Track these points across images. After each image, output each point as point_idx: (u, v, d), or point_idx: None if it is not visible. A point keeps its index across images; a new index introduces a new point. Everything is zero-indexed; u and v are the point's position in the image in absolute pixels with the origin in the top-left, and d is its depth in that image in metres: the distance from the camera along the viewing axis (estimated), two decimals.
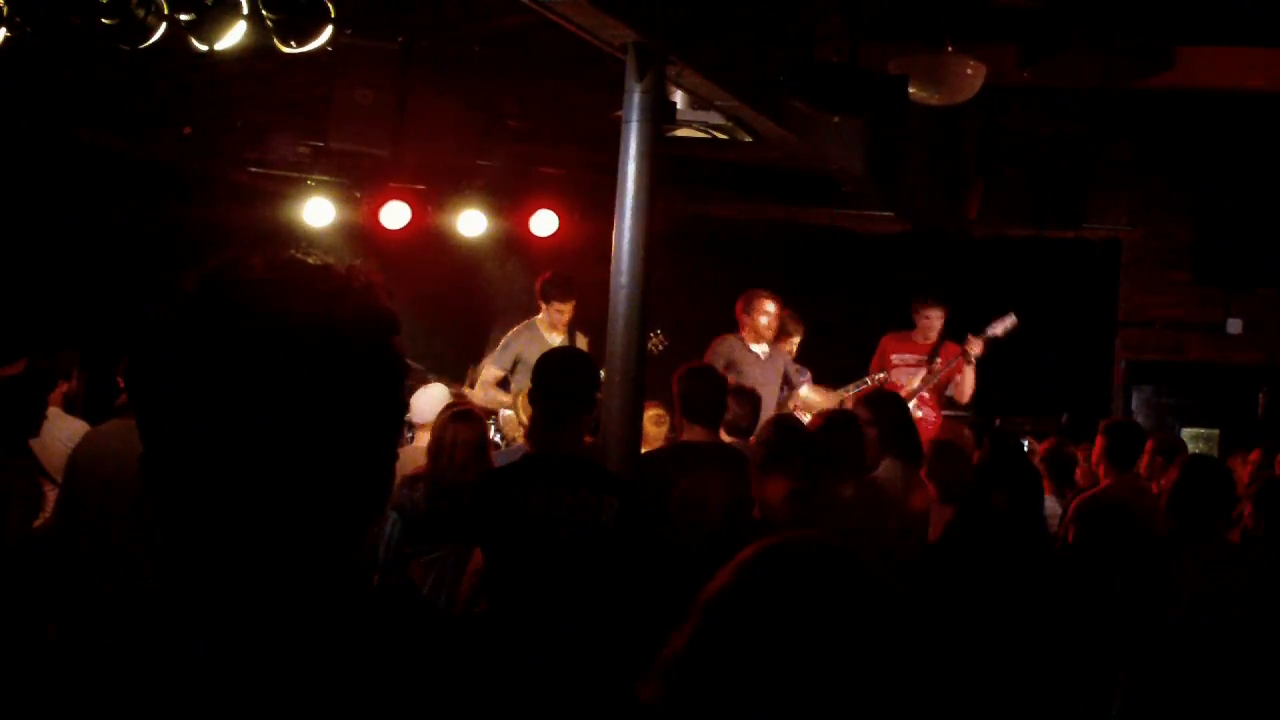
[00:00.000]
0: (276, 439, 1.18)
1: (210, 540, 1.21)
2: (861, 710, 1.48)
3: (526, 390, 7.80)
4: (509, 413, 8.04)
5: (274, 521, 1.20)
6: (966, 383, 8.51)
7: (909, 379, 8.54)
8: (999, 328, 8.76)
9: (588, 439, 5.05)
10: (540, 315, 8.15)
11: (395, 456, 1.31)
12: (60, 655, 1.23)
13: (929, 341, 8.69)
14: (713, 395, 5.46)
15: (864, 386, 8.37)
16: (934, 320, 8.64)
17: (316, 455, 1.20)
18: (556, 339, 7.87)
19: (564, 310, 8.02)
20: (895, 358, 8.67)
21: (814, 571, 1.55)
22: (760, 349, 8.13)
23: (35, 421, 5.18)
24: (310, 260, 1.25)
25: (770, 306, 8.08)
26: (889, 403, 5.74)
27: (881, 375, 8.50)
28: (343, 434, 1.21)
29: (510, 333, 8.20)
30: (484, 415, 6.14)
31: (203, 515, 1.20)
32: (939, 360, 8.58)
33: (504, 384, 8.24)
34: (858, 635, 1.49)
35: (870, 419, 5.34)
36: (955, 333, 9.37)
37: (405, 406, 1.35)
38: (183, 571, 1.22)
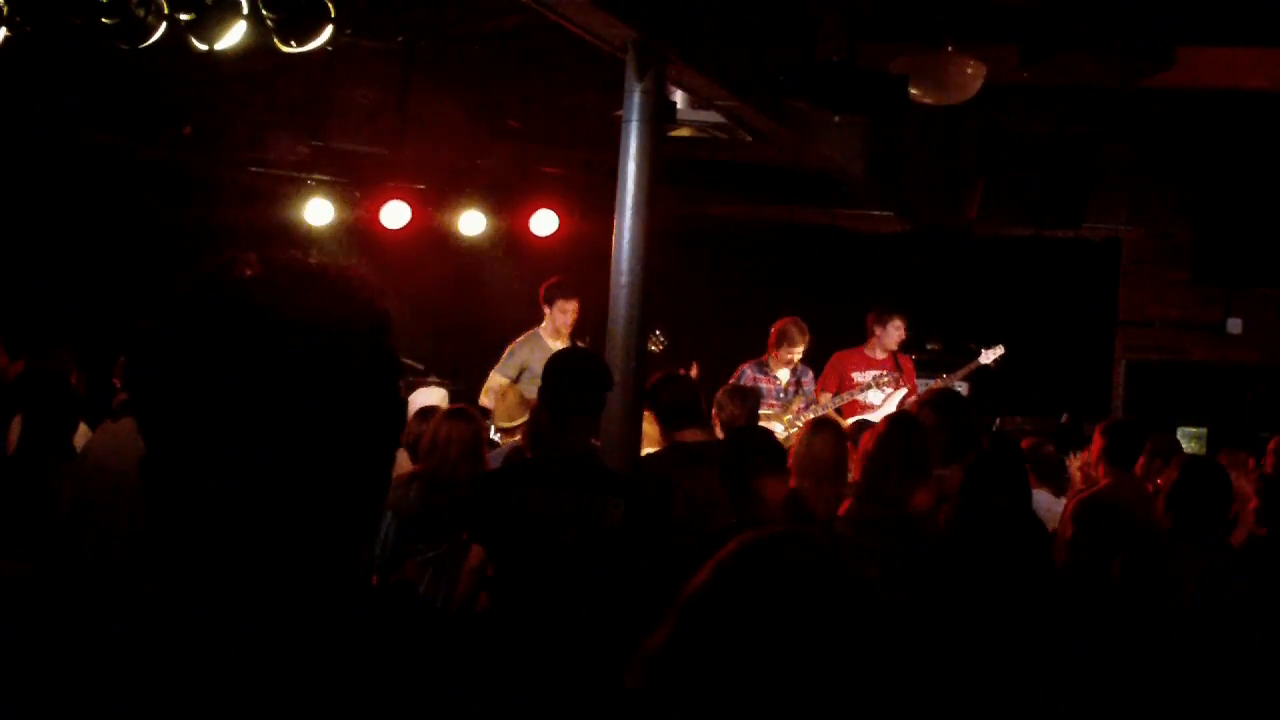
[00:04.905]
0: (274, 439, 1.18)
1: (209, 541, 1.21)
2: (839, 705, 1.48)
3: (501, 384, 7.85)
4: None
5: (272, 522, 1.20)
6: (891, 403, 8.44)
7: (871, 396, 8.50)
8: (989, 357, 8.90)
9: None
10: (544, 324, 8.14)
11: (394, 456, 1.30)
12: (66, 653, 1.23)
13: (887, 356, 8.65)
14: (687, 396, 5.48)
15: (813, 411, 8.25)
16: (897, 332, 8.63)
17: (314, 455, 1.20)
18: (560, 346, 7.86)
19: (568, 309, 8.01)
20: (856, 375, 8.62)
21: (790, 568, 1.55)
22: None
23: (75, 421, 5.15)
24: (306, 260, 1.25)
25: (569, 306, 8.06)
26: (957, 406, 5.67)
27: (836, 397, 8.45)
28: (340, 434, 1.21)
29: (515, 342, 8.20)
30: (480, 414, 6.15)
31: (201, 517, 1.20)
32: (902, 375, 8.60)
33: None
34: (834, 631, 1.50)
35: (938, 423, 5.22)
36: (957, 339, 9.42)
37: (403, 406, 1.35)
38: (183, 572, 1.22)
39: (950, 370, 9.14)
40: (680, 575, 1.62)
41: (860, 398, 8.46)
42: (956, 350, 9.79)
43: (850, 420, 7.84)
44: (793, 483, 5.09)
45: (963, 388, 9.20)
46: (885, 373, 8.58)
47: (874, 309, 8.74)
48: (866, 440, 4.79)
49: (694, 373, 8.09)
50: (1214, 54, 7.74)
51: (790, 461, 5.11)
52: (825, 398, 8.41)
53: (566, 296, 8.03)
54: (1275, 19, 7.41)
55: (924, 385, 8.76)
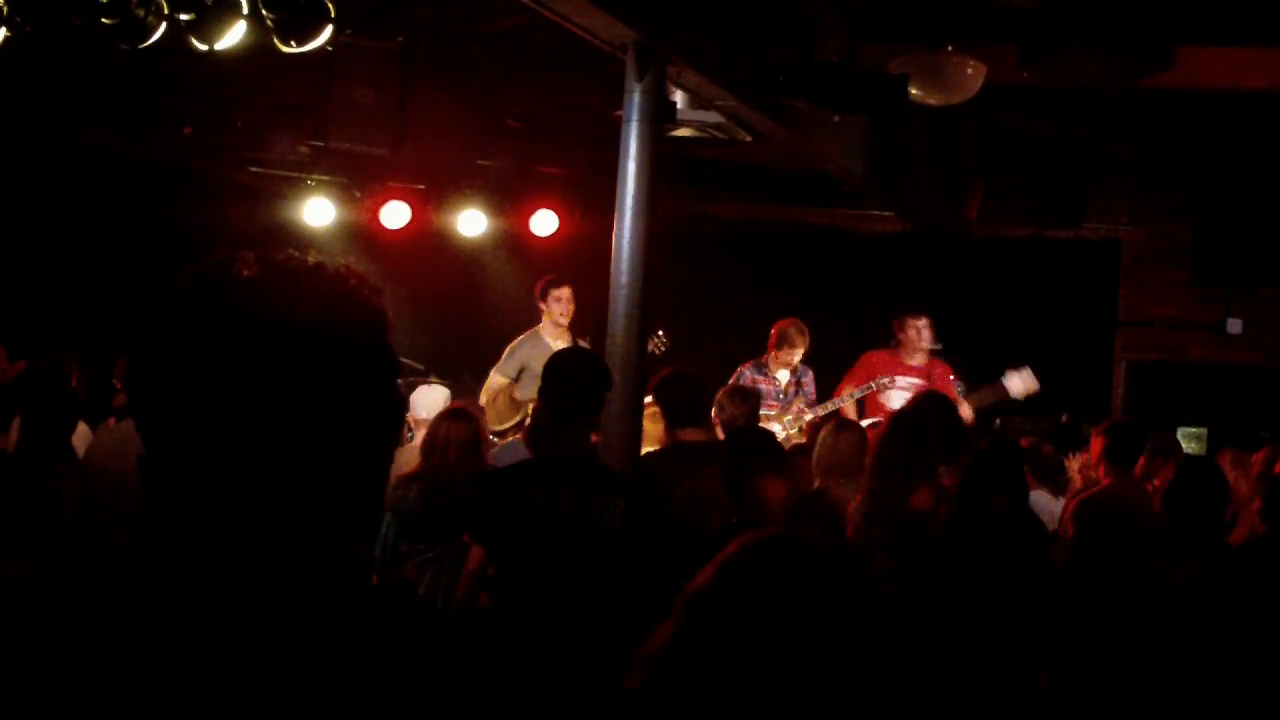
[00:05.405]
0: (272, 439, 1.18)
1: (208, 541, 1.21)
2: (839, 703, 1.48)
3: (500, 385, 7.86)
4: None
5: (271, 521, 1.20)
6: (965, 412, 7.77)
7: (895, 397, 8.35)
8: (1018, 389, 8.21)
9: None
10: (543, 323, 8.15)
11: (392, 455, 1.30)
12: (66, 654, 1.23)
13: (922, 363, 8.39)
14: (693, 396, 5.48)
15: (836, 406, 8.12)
16: (923, 330, 8.30)
17: (313, 454, 1.20)
18: (560, 345, 7.85)
19: (562, 297, 8.02)
20: (884, 377, 8.48)
21: (793, 567, 1.56)
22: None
23: (74, 421, 5.15)
24: (305, 260, 1.25)
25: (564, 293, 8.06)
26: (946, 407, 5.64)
27: (857, 390, 8.31)
28: (339, 433, 1.21)
29: (515, 341, 8.20)
30: (479, 414, 6.16)
31: (200, 516, 1.20)
32: (933, 380, 8.40)
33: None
34: (835, 631, 1.50)
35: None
36: (957, 340, 9.34)
37: (402, 404, 1.35)
38: (182, 572, 1.22)
39: (972, 392, 8.53)
40: (680, 575, 1.62)
41: (881, 400, 8.34)
42: (956, 350, 9.75)
43: (867, 422, 7.79)
44: (817, 482, 5.10)
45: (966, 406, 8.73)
46: (885, 377, 8.49)
47: (893, 315, 8.49)
48: (872, 438, 4.82)
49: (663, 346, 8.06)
50: (1214, 54, 7.75)
51: (814, 461, 5.13)
52: (848, 390, 8.29)
53: (558, 285, 8.05)
54: (1275, 19, 7.42)
55: None
